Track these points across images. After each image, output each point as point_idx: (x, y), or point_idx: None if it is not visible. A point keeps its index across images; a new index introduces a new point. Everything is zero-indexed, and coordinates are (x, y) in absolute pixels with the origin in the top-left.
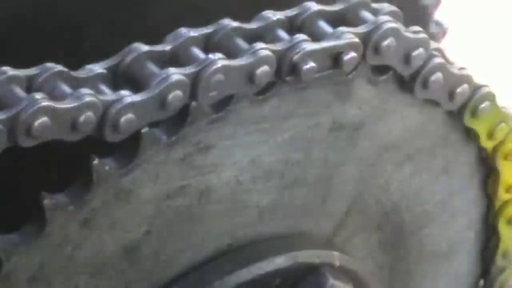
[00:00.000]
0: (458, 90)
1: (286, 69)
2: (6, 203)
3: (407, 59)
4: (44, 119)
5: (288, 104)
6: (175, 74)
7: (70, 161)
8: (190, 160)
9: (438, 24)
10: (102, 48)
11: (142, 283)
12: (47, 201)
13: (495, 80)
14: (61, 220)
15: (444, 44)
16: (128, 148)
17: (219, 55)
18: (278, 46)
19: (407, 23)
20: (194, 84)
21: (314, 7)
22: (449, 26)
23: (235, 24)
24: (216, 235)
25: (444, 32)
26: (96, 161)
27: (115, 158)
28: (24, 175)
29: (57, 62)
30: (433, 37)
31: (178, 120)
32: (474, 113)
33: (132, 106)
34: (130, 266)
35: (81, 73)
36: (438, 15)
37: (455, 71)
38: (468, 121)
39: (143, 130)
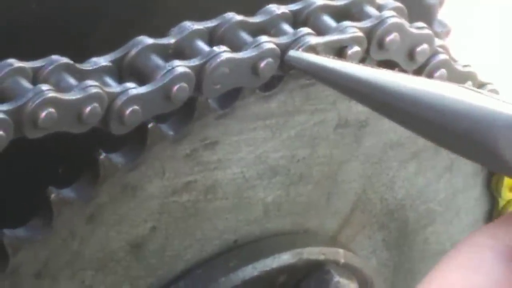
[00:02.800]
0: None
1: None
2: (12, 197)
3: (411, 54)
4: (50, 110)
5: (294, 100)
6: (180, 66)
7: (77, 156)
8: (196, 155)
9: (441, 23)
10: (110, 42)
11: (147, 279)
12: (53, 196)
13: (499, 79)
14: (67, 215)
15: (448, 44)
16: (135, 143)
17: (223, 48)
18: (282, 39)
19: (411, 21)
20: (199, 77)
21: (319, 1)
22: (453, 25)
23: (239, 17)
24: (221, 231)
25: (447, 32)
26: (103, 156)
27: (122, 153)
28: (31, 170)
29: (65, 55)
30: (437, 35)
31: (185, 115)
32: None
33: (137, 98)
34: (136, 262)
35: (86, 66)
36: (441, 14)
37: (459, 68)
38: None
39: (149, 126)
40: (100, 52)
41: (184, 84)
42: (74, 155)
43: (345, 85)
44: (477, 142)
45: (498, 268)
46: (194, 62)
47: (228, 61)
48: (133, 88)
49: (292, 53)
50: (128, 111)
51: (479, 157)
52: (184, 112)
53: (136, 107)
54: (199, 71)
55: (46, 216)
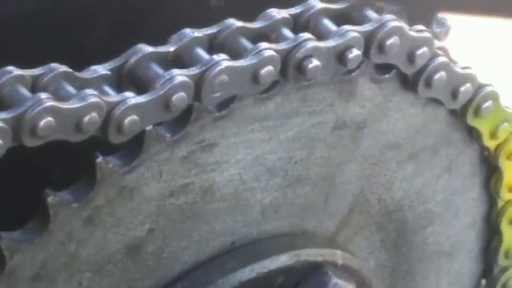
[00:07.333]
0: (462, 89)
1: (291, 68)
2: (10, 200)
3: (411, 57)
4: (49, 119)
5: (291, 102)
6: (179, 75)
7: (74, 159)
8: (193, 158)
9: (441, 23)
10: (106, 46)
11: (145, 281)
12: (50, 199)
13: (499, 80)
14: (64, 218)
15: (447, 44)
16: (132, 146)
17: (223, 56)
18: (282, 46)
19: (411, 22)
20: (198, 86)
21: (319, 5)
22: (452, 25)
23: (239, 23)
24: (219, 233)
25: (447, 32)
26: (99, 159)
27: (118, 156)
28: (28, 173)
29: (61, 60)
30: (436, 36)
31: (182, 118)
32: (477, 112)
33: (136, 107)
34: (133, 264)
35: (85, 74)
36: (441, 14)
37: (459, 70)
38: (471, 120)
39: (147, 128)
40: (97, 53)
41: (183, 93)
42: (71, 157)
43: None
44: None
45: None
46: (194, 70)
47: (228, 69)
48: (131, 98)
49: None
50: (126, 121)
51: None
52: (181, 114)
53: (134, 116)
54: (198, 79)
55: (43, 219)
